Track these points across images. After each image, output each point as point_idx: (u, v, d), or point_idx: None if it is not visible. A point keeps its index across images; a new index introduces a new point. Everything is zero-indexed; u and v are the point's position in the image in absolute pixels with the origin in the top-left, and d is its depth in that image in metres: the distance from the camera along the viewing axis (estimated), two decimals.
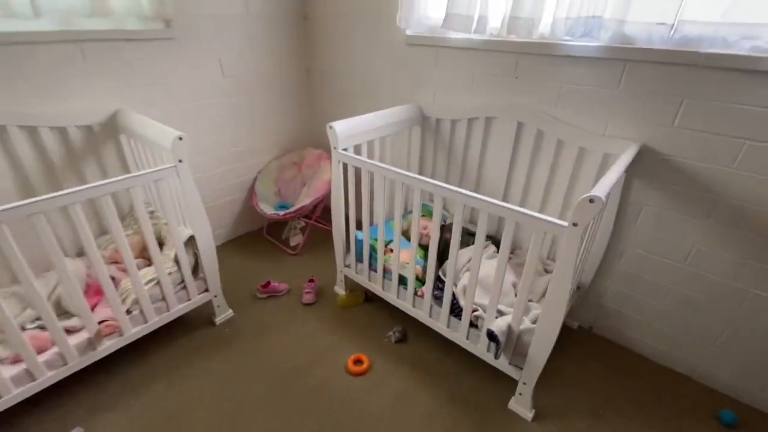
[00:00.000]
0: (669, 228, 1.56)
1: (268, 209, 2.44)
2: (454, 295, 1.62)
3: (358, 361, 1.72)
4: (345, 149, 1.74)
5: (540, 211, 1.89)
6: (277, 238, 2.64)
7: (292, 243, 2.50)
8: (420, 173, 2.29)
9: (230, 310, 2.00)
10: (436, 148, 2.17)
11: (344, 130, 1.72)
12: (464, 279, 1.68)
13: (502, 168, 1.92)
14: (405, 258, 1.82)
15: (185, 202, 1.60)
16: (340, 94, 2.55)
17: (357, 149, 1.89)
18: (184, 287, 1.74)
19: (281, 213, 2.31)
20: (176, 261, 1.67)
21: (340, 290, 2.14)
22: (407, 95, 2.18)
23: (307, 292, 2.08)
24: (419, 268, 1.81)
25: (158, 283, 1.64)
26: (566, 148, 1.70)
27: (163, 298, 1.68)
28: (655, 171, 1.52)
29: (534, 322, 1.47)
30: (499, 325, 1.42)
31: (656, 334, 1.74)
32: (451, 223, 1.96)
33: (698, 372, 1.68)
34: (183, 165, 1.52)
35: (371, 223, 2.11)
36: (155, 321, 1.67)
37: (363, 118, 1.81)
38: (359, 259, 1.96)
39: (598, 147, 1.59)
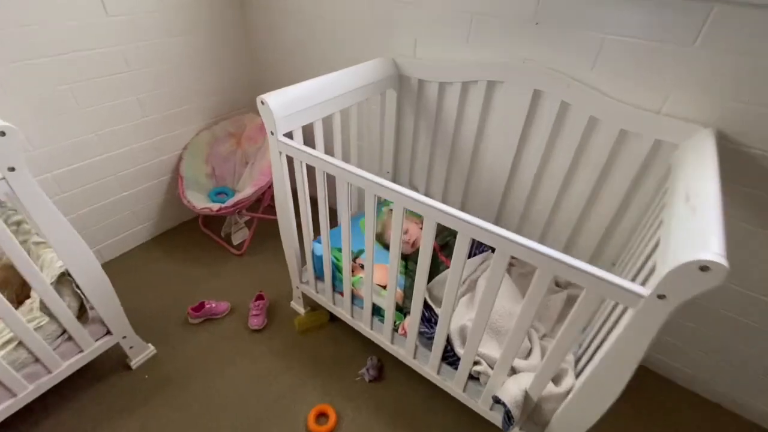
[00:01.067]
0: (745, 244, 1.17)
1: (199, 200, 1.87)
2: (448, 337, 1.21)
3: (322, 416, 1.33)
4: (289, 133, 1.19)
5: (552, 216, 1.45)
6: (216, 230, 2.10)
7: (236, 240, 1.98)
8: (395, 157, 1.77)
9: (150, 347, 1.51)
10: (417, 121, 1.63)
11: (284, 105, 1.15)
12: (461, 313, 1.26)
13: (506, 152, 1.43)
14: (380, 278, 1.37)
15: (39, 227, 1.03)
16: (289, 39, 1.89)
17: (307, 131, 1.34)
18: (70, 338, 1.23)
19: (215, 208, 1.76)
20: (45, 309, 1.14)
21: (298, 307, 1.70)
22: (377, 45, 1.58)
23: (254, 314, 1.62)
24: (400, 292, 1.37)
25: (21, 343, 1.12)
26: (601, 130, 1.22)
27: (37, 360, 1.17)
28: (730, 170, 1.09)
29: (557, 379, 1.09)
30: (511, 393, 1.03)
31: (698, 361, 1.43)
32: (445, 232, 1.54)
33: (742, 405, 1.41)
34: (19, 175, 0.94)
35: (333, 225, 1.61)
36: (29, 391, 1.18)
37: (312, 85, 1.23)
38: (319, 277, 1.50)
39: (649, 130, 1.12)
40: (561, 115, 1.27)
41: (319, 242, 1.41)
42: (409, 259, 1.47)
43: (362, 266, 1.41)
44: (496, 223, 1.63)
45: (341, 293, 1.47)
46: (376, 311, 1.36)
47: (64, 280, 1.16)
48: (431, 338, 1.21)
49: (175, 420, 1.32)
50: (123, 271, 1.86)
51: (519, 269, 1.51)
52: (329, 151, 1.48)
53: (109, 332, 1.33)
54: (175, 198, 2.07)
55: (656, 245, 0.86)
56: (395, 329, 1.31)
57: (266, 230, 2.11)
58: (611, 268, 1.37)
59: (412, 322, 1.22)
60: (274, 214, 2.04)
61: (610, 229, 1.34)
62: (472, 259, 1.36)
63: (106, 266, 1.89)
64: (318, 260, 1.42)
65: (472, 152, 1.53)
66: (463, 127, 1.52)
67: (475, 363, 1.15)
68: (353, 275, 1.39)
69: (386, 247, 1.51)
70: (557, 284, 1.45)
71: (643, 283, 0.81)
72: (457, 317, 1.24)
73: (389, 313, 1.27)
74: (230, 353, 1.53)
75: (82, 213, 1.76)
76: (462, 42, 1.36)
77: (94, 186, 1.75)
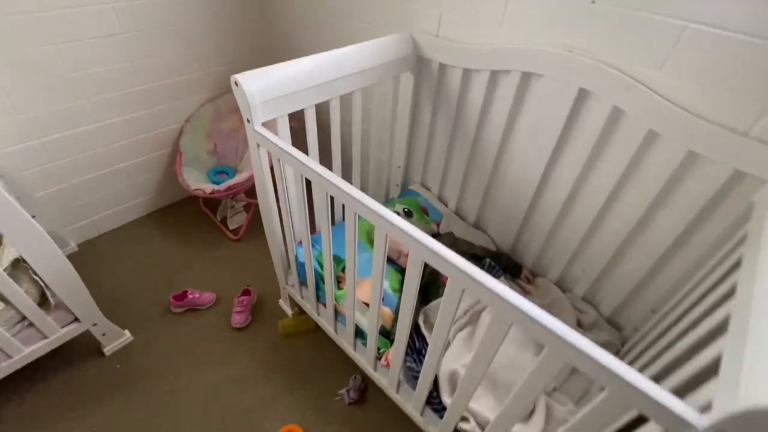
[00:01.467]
0: None
1: (196, 179, 1.74)
2: (435, 380, 1.03)
3: None
4: (269, 122, 1.00)
5: (583, 246, 1.20)
6: (217, 212, 1.98)
7: (232, 225, 1.85)
8: (409, 151, 1.54)
9: (126, 334, 1.43)
10: (435, 113, 1.39)
11: (265, 88, 0.95)
12: (455, 353, 1.07)
13: (536, 161, 1.18)
14: (364, 294, 1.20)
15: None
16: (300, 5, 1.66)
17: (323, 110, 1.14)
18: (32, 324, 1.15)
19: (207, 190, 1.62)
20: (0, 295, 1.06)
21: (286, 307, 1.56)
22: (394, 16, 1.33)
23: (237, 311, 1.50)
24: (388, 313, 1.19)
25: None
26: (661, 148, 0.95)
27: None
28: None
29: None
30: None
31: None
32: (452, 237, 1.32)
33: None
34: None
35: (314, 231, 1.44)
36: None
37: (303, 66, 1.02)
38: (304, 283, 1.34)
39: (728, 156, 0.85)
40: (611, 124, 1.00)
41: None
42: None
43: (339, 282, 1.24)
44: (515, 245, 1.39)
45: (325, 305, 1.31)
46: (360, 333, 1.20)
47: (20, 266, 1.06)
48: (417, 377, 1.04)
49: (137, 421, 1.23)
50: (114, 246, 1.79)
51: (539, 299, 1.28)
52: (327, 140, 1.29)
53: (77, 319, 1.25)
54: (175, 173, 1.96)
55: (719, 326, 0.62)
56: (378, 357, 1.14)
57: None
58: (650, 315, 1.13)
59: (396, 352, 1.04)
60: None
61: (655, 269, 1.08)
62: None
63: (100, 239, 1.82)
64: (301, 267, 1.26)
65: (495, 157, 1.28)
66: (488, 126, 1.27)
67: (463, 418, 0.96)
68: (340, 288, 1.22)
69: None
70: (579, 324, 1.23)
71: (691, 387, 0.58)
72: (451, 358, 1.05)
73: (371, 338, 1.10)
74: (207, 351, 1.42)
75: (75, 182, 1.68)
76: (495, 22, 1.10)
77: (88, 156, 1.66)
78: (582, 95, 1.01)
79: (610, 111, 0.97)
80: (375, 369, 1.17)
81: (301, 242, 1.26)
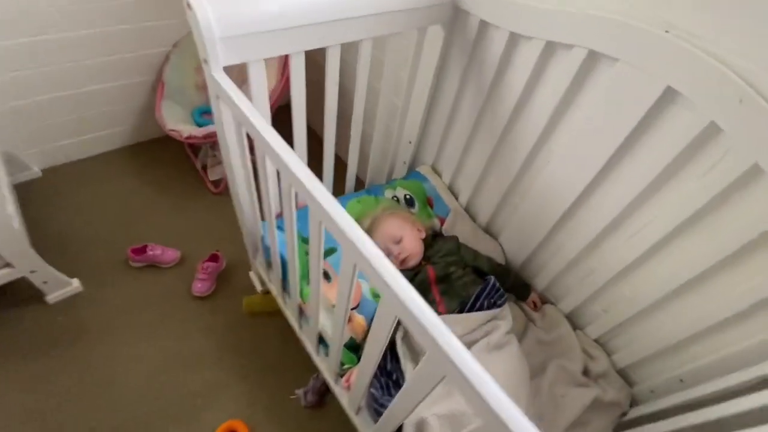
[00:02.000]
0: None
1: (175, 116, 1.50)
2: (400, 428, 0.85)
3: None
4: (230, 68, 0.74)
5: (611, 289, 0.97)
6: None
7: (212, 176, 1.64)
8: (424, 124, 1.27)
9: (75, 283, 1.28)
10: (463, 82, 1.10)
11: (234, 17, 0.68)
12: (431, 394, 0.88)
13: (580, 170, 0.91)
14: (332, 294, 1.00)
15: None
16: None
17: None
18: None
19: (184, 134, 1.39)
20: None
21: (256, 280, 1.38)
22: None
23: (200, 278, 1.33)
24: (361, 323, 1.00)
25: None
26: (763, 189, 0.68)
27: None
28: None
29: None
30: None
31: None
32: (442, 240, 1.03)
33: None
34: None
35: (280, 213, 1.22)
36: None
37: None
38: (271, 265, 1.15)
39: None
40: (700, 145, 0.72)
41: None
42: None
43: (324, 273, 1.04)
44: (528, 261, 1.16)
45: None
46: (324, 340, 1.02)
47: None
48: (381, 412, 0.86)
49: (64, 387, 1.11)
50: (80, 177, 1.61)
51: (543, 332, 1.07)
52: (317, 95, 1.03)
53: (9, 264, 1.09)
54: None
55: None
56: (341, 374, 0.97)
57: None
58: (676, 383, 0.91)
59: (359, 379, 0.86)
60: None
61: (701, 336, 0.85)
62: (473, 314, 0.94)
63: (66, 168, 1.63)
64: (266, 249, 1.06)
65: (528, 153, 1.01)
66: (527, 113, 0.99)
67: None
68: (309, 285, 1.03)
69: None
70: (586, 372, 1.02)
71: None
72: (420, 411, 0.86)
73: (333, 350, 0.91)
74: (161, 317, 1.27)
75: (40, 99, 1.46)
76: None
77: (53, 71, 1.42)
78: (668, 97, 0.72)
79: (705, 127, 0.69)
80: (336, 382, 1.00)
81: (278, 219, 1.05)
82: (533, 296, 1.14)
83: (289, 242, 0.85)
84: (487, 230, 1.25)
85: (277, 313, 1.31)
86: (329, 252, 1.06)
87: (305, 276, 1.00)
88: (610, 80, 0.79)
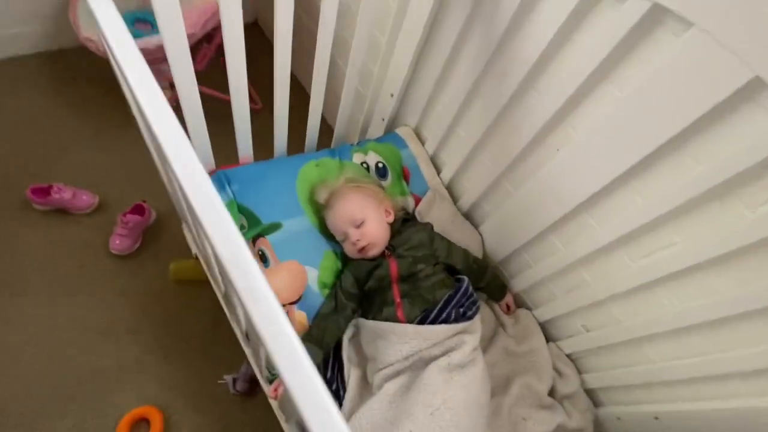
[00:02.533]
0: None
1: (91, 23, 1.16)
2: None
3: (142, 421, 0.92)
4: None
5: (613, 303, 0.82)
6: None
7: None
8: (409, 78, 1.02)
9: None
10: (465, 32, 0.84)
11: None
12: (374, 415, 0.72)
13: (599, 167, 0.71)
14: (286, 286, 0.80)
15: None
16: None
17: None
18: None
19: (102, 47, 1.07)
20: None
21: (190, 240, 1.16)
22: None
23: (120, 234, 1.10)
24: (301, 320, 0.82)
25: None
26: None
27: None
28: None
29: None
30: None
31: None
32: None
33: None
34: None
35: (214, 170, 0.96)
36: None
37: None
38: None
39: None
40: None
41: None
42: (351, 265, 0.88)
43: (261, 255, 0.83)
44: (509, 259, 0.99)
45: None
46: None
47: None
48: None
49: None
50: None
51: (514, 343, 0.93)
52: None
53: None
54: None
55: None
56: (270, 380, 0.80)
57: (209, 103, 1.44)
58: (650, 420, 0.81)
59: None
60: (218, 93, 1.31)
61: (699, 381, 0.72)
62: (437, 327, 0.77)
63: None
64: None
65: (537, 133, 0.79)
66: (541, 86, 0.76)
67: None
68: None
69: (325, 230, 0.90)
70: (552, 392, 0.91)
71: None
72: (364, 419, 0.71)
73: (260, 354, 0.74)
74: (68, 276, 1.05)
75: None
76: None
77: None
78: (753, 89, 0.51)
79: None
80: (265, 380, 0.84)
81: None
82: (508, 298, 0.99)
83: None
84: (468, 216, 1.06)
85: (207, 283, 1.12)
86: (272, 228, 0.85)
87: None
88: (674, 52, 0.56)
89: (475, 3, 0.79)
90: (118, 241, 1.09)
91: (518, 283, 1.00)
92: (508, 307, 0.99)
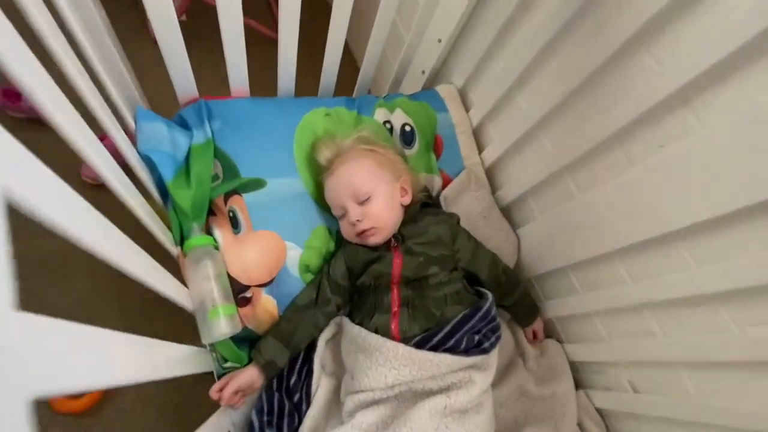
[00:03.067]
0: None
1: None
2: None
3: None
4: None
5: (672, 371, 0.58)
6: None
7: None
8: (466, 23, 0.76)
9: None
10: None
11: None
12: None
13: (705, 194, 0.47)
14: (237, 255, 0.62)
15: None
16: None
17: None
18: None
19: None
20: None
21: None
22: None
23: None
24: (270, 309, 0.64)
25: None
26: None
27: None
28: None
29: None
30: None
31: None
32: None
33: None
34: None
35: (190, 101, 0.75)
36: None
37: None
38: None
39: None
40: None
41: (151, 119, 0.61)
42: (346, 249, 0.69)
43: (231, 216, 0.64)
44: (547, 278, 0.77)
45: None
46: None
47: None
48: None
49: None
50: None
51: (534, 383, 0.73)
52: None
53: None
54: None
55: None
56: (217, 375, 0.64)
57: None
58: None
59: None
60: None
61: None
62: (440, 356, 0.57)
63: None
64: (145, 159, 0.64)
65: (634, 118, 0.55)
66: (667, 44, 0.50)
67: None
68: (206, 229, 0.64)
69: (322, 200, 0.70)
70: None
71: None
72: None
73: (206, 329, 0.58)
74: None
75: None
76: None
77: None
78: None
79: None
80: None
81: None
82: (537, 324, 0.78)
83: None
84: (507, 212, 0.83)
85: None
86: (253, 185, 0.66)
87: (198, 213, 0.61)
88: None
89: None
90: (90, 170, 0.93)
91: (554, 309, 0.78)
92: (534, 335, 0.78)
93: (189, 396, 0.84)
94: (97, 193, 0.94)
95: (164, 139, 0.60)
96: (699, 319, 0.56)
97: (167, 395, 0.85)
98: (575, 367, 0.77)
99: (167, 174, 0.58)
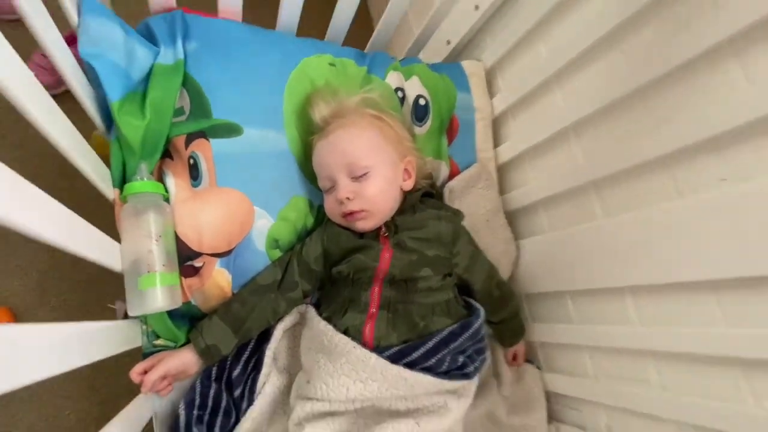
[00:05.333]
0: None
1: None
2: None
3: None
4: None
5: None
6: None
7: None
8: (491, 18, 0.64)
9: None
10: None
11: None
12: None
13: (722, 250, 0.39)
14: (191, 210, 0.50)
15: None
16: None
17: None
18: None
19: None
20: None
21: None
22: None
23: (40, 64, 0.77)
24: (221, 282, 0.52)
25: None
26: None
27: None
28: None
29: None
30: None
31: None
32: None
33: None
34: None
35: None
36: None
37: None
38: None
39: None
40: None
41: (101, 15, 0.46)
42: (327, 229, 0.58)
43: (192, 163, 0.52)
44: (540, 299, 0.69)
45: None
46: None
47: None
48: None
49: None
50: None
51: (501, 410, 0.66)
52: None
53: None
54: None
55: None
56: (146, 351, 0.52)
57: None
58: None
59: None
60: None
61: None
62: (418, 375, 0.48)
63: None
64: (88, 67, 0.50)
65: (696, 141, 0.46)
66: (763, 55, 0.41)
67: None
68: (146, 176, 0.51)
69: (307, 165, 0.58)
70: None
71: None
72: None
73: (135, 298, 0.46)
74: None
75: None
76: None
77: None
78: None
79: None
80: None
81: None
82: (520, 347, 0.71)
83: None
84: (512, 219, 0.74)
85: None
86: (224, 130, 0.53)
87: (150, 151, 0.48)
88: None
89: None
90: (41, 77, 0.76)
91: (540, 333, 0.71)
92: (515, 357, 0.71)
93: (108, 375, 0.72)
94: None
95: (117, 46, 0.45)
96: (710, 381, 0.49)
97: (80, 372, 0.73)
98: (550, 398, 0.70)
99: (113, 93, 0.45)
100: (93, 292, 0.76)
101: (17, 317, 0.71)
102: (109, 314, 0.75)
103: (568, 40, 0.59)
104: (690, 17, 0.46)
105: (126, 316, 0.70)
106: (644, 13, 0.50)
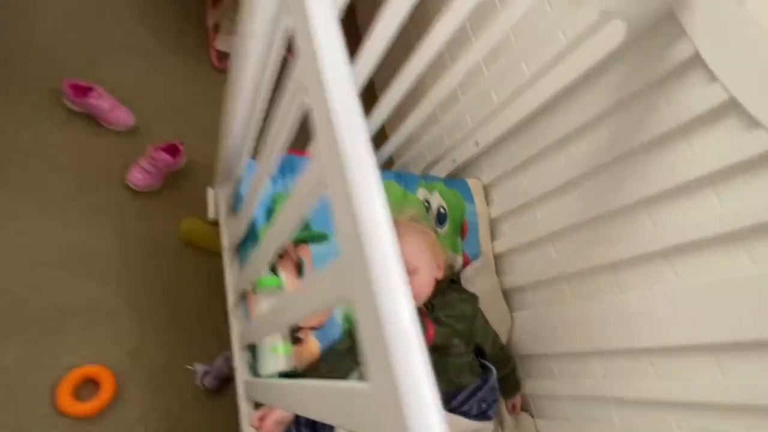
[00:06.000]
0: None
1: None
2: None
3: (87, 384, 0.80)
4: None
5: None
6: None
7: (221, 44, 1.22)
8: (506, 135, 0.95)
9: None
10: (620, 107, 0.78)
11: None
12: None
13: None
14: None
15: None
16: None
17: None
18: None
19: None
20: None
21: (212, 202, 1.05)
22: None
23: (144, 168, 0.98)
24: (314, 350, 0.72)
25: None
26: None
27: None
28: None
29: None
30: None
31: None
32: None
33: None
34: None
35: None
36: None
37: None
38: (235, 210, 0.83)
39: None
40: None
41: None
42: None
43: (299, 266, 0.74)
44: (529, 358, 0.91)
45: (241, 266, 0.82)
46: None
47: None
48: None
49: None
50: None
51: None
52: None
53: None
54: None
55: None
56: (256, 403, 0.70)
57: None
58: None
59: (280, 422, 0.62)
60: None
61: None
62: (457, 417, 0.69)
63: None
64: (239, 199, 0.73)
65: (637, 255, 0.73)
66: (664, 212, 0.69)
67: None
68: (276, 270, 0.72)
69: None
70: None
71: None
72: None
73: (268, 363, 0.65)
74: (69, 189, 0.94)
75: None
76: None
77: None
78: None
79: None
80: (246, 399, 0.74)
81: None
82: (518, 398, 0.91)
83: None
84: (505, 295, 0.98)
85: (217, 254, 1.01)
86: (318, 238, 0.76)
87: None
88: None
89: (625, 100, 0.73)
90: (139, 175, 0.98)
91: (532, 387, 0.92)
92: (513, 406, 0.91)
93: (193, 418, 0.86)
94: (134, 197, 0.99)
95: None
96: (652, 422, 0.72)
97: (170, 413, 0.86)
98: None
99: (261, 218, 0.67)
100: (176, 338, 0.91)
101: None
102: (186, 374, 0.90)
103: (548, 177, 0.87)
104: (619, 182, 0.75)
105: (203, 380, 0.87)
106: (596, 171, 0.78)
